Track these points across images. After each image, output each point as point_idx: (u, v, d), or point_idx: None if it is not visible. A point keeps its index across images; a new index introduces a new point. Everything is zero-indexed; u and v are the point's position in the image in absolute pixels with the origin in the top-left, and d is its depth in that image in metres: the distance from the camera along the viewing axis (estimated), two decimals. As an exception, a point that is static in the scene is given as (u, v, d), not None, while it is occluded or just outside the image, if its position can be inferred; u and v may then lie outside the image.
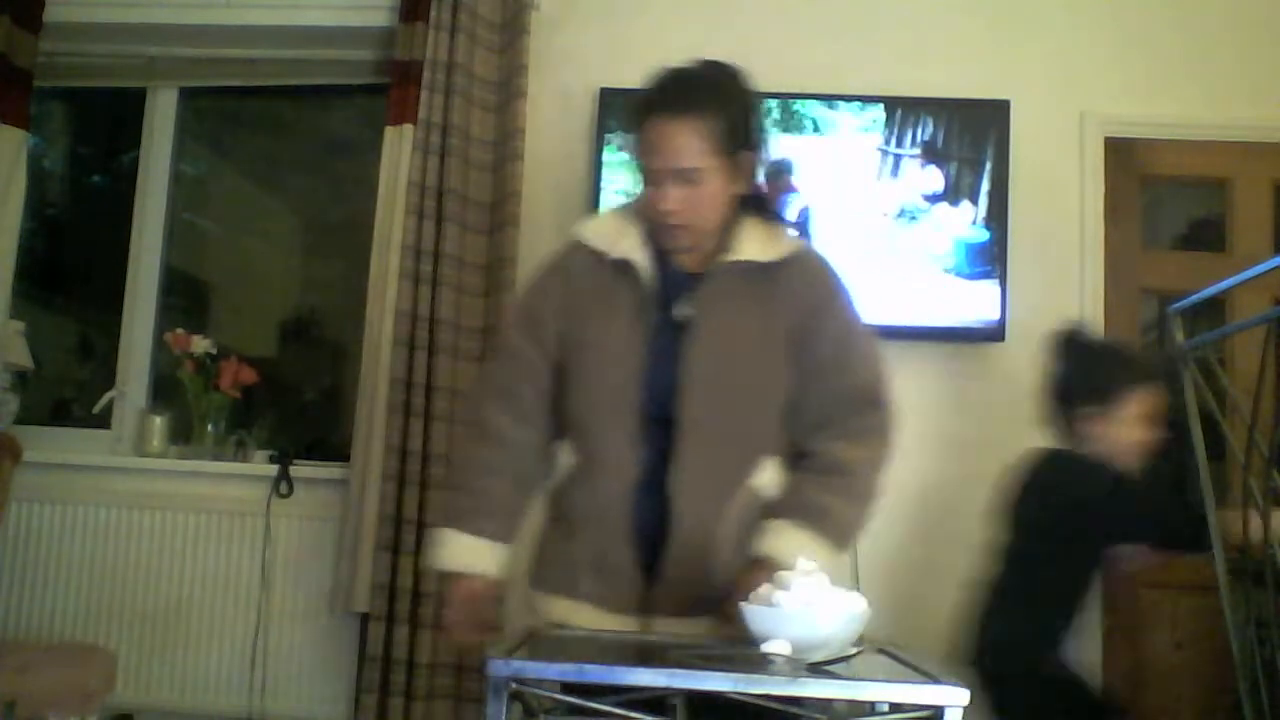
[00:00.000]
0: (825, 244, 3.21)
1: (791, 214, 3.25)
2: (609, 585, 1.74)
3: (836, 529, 1.72)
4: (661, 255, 1.79)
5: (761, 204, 1.83)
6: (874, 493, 1.80)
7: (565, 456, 1.83)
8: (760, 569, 1.60)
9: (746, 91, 1.79)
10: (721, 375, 1.73)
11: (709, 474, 1.72)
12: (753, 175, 1.79)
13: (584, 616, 1.73)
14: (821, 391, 1.78)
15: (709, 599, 1.69)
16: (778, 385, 1.77)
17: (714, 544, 1.71)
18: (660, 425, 1.72)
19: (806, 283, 1.79)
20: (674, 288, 1.78)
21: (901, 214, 3.23)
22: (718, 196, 1.73)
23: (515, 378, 1.83)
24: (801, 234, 1.89)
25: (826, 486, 1.74)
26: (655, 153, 1.70)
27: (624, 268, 1.78)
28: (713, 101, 1.71)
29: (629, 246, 1.79)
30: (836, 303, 1.81)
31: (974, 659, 2.37)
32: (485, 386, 1.89)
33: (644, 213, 1.78)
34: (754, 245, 1.77)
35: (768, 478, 1.78)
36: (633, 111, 1.76)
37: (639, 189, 1.78)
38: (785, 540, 1.67)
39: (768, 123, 1.77)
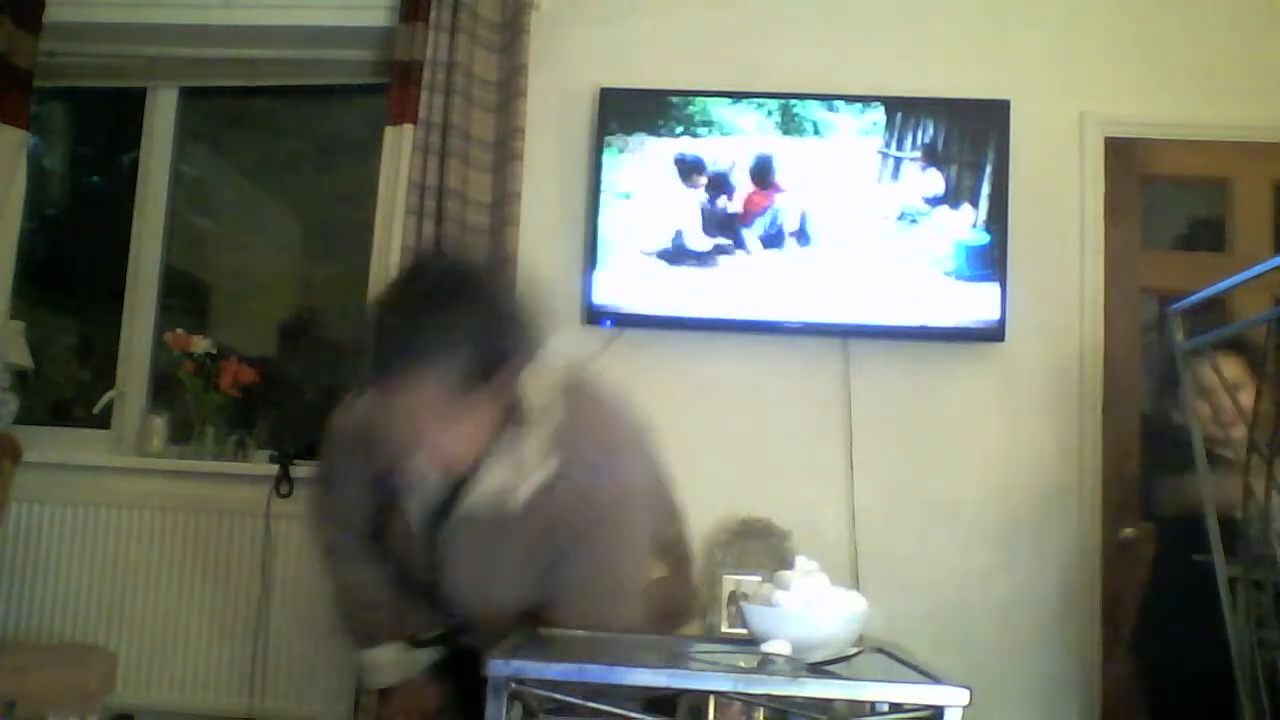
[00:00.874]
0: (825, 245, 3.22)
1: (789, 218, 3.25)
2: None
3: None
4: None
5: (522, 419, 1.60)
6: None
7: None
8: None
9: (488, 305, 1.51)
10: (475, 599, 1.70)
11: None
12: (510, 389, 1.55)
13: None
14: (552, 592, 1.66)
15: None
16: (536, 596, 1.68)
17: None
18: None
19: (556, 506, 1.59)
20: (443, 501, 1.67)
21: (902, 215, 3.23)
22: (471, 437, 1.55)
23: (347, 521, 1.81)
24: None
25: None
26: (386, 406, 1.50)
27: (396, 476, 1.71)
28: (453, 344, 1.45)
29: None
30: (587, 539, 1.61)
31: None
32: (326, 523, 1.85)
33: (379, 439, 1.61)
34: (504, 474, 1.59)
35: None
36: (364, 364, 1.51)
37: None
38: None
39: (528, 320, 1.55)
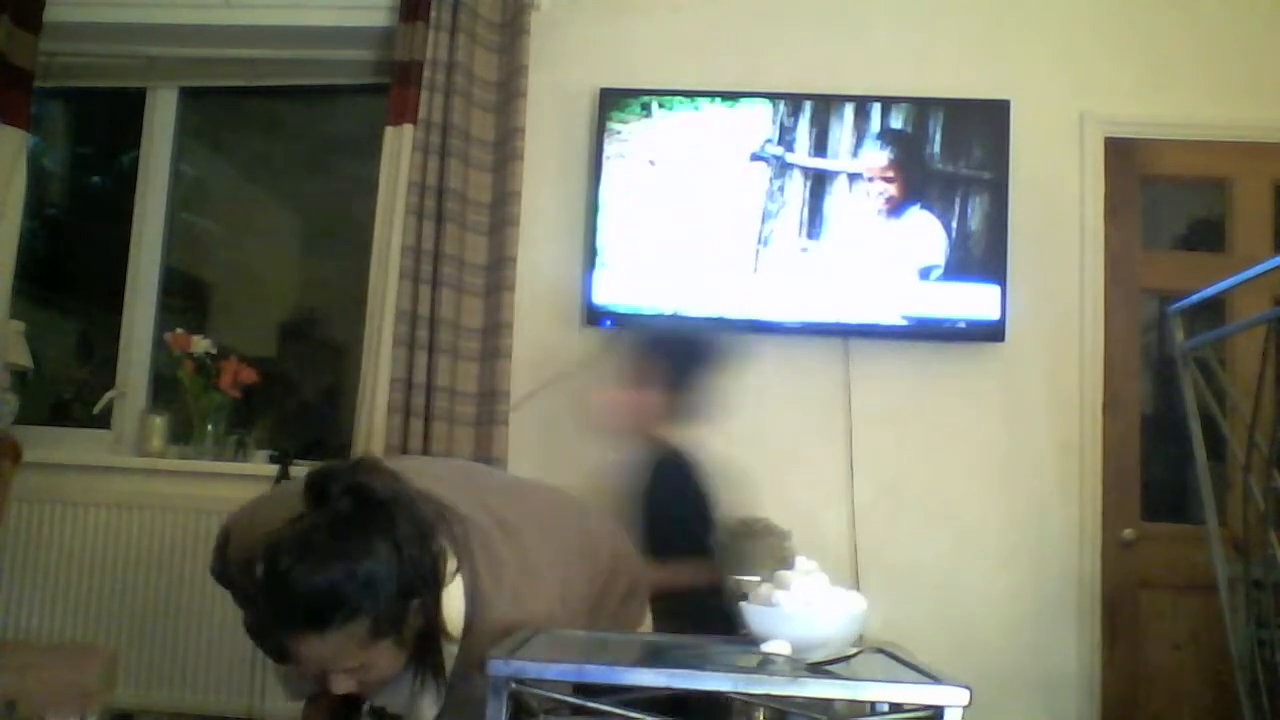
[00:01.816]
0: (826, 245, 3.22)
1: (789, 218, 3.25)
2: None
3: None
4: None
5: (436, 644, 1.51)
6: None
7: None
8: None
9: (392, 541, 1.40)
10: None
11: None
12: (429, 621, 1.47)
13: None
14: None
15: None
16: None
17: None
18: None
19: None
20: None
21: (902, 215, 3.23)
22: (392, 660, 1.45)
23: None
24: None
25: None
26: (311, 664, 1.42)
27: None
28: (355, 601, 1.36)
29: None
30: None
31: None
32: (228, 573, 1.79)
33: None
34: (425, 701, 1.54)
35: None
36: (268, 617, 1.42)
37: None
38: None
39: (430, 546, 1.46)
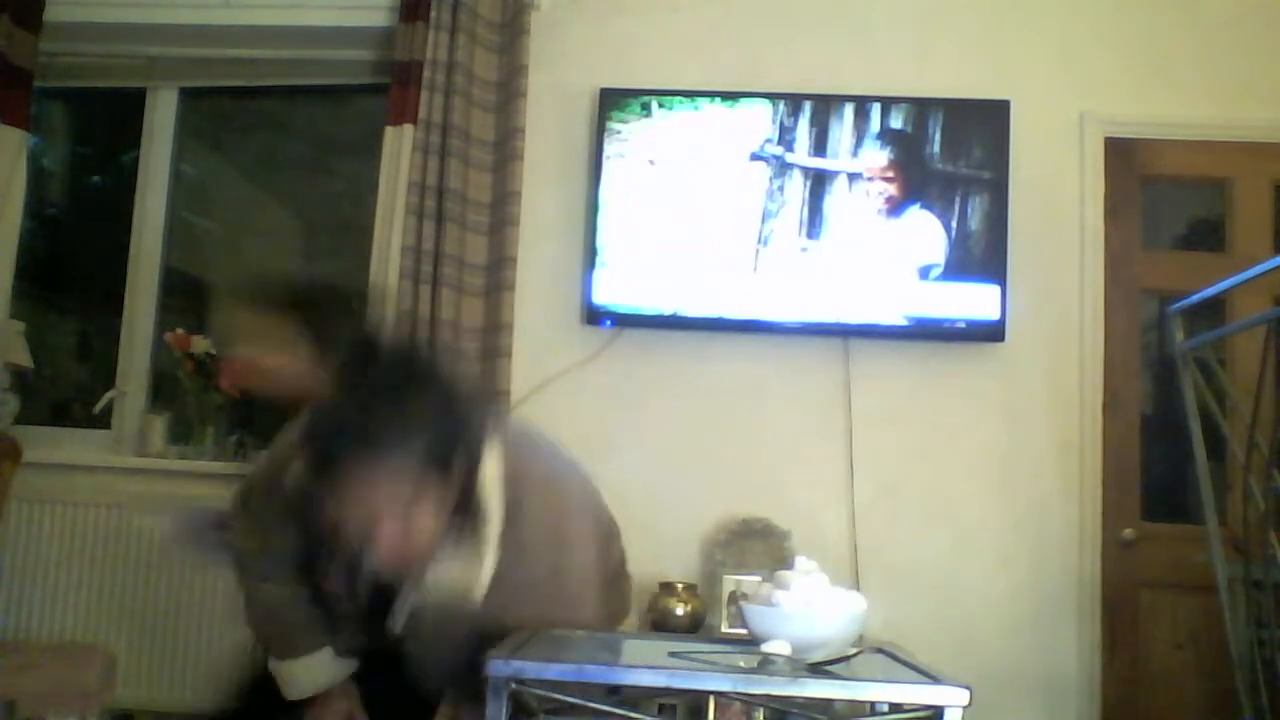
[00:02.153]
0: (826, 245, 3.22)
1: (789, 218, 3.25)
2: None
3: None
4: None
5: (475, 507, 1.58)
6: None
7: None
8: None
9: (440, 395, 1.51)
10: (438, 655, 1.68)
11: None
12: (460, 480, 1.53)
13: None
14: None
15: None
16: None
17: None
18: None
19: (519, 577, 1.59)
20: (382, 586, 1.66)
21: (903, 215, 3.23)
22: (425, 518, 1.50)
23: (269, 553, 1.79)
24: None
25: None
26: (344, 501, 1.45)
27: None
28: (408, 436, 1.45)
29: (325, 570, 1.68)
30: (546, 567, 1.62)
31: None
32: (245, 547, 1.84)
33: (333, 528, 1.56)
34: (461, 565, 1.58)
35: None
36: (312, 439, 1.49)
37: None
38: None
39: (475, 409, 1.54)
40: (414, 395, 1.46)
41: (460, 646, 1.59)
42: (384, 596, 1.67)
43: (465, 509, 1.55)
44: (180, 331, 3.61)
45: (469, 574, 1.57)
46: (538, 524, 1.59)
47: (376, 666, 1.79)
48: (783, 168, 3.27)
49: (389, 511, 1.44)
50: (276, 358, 2.11)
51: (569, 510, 1.65)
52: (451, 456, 1.48)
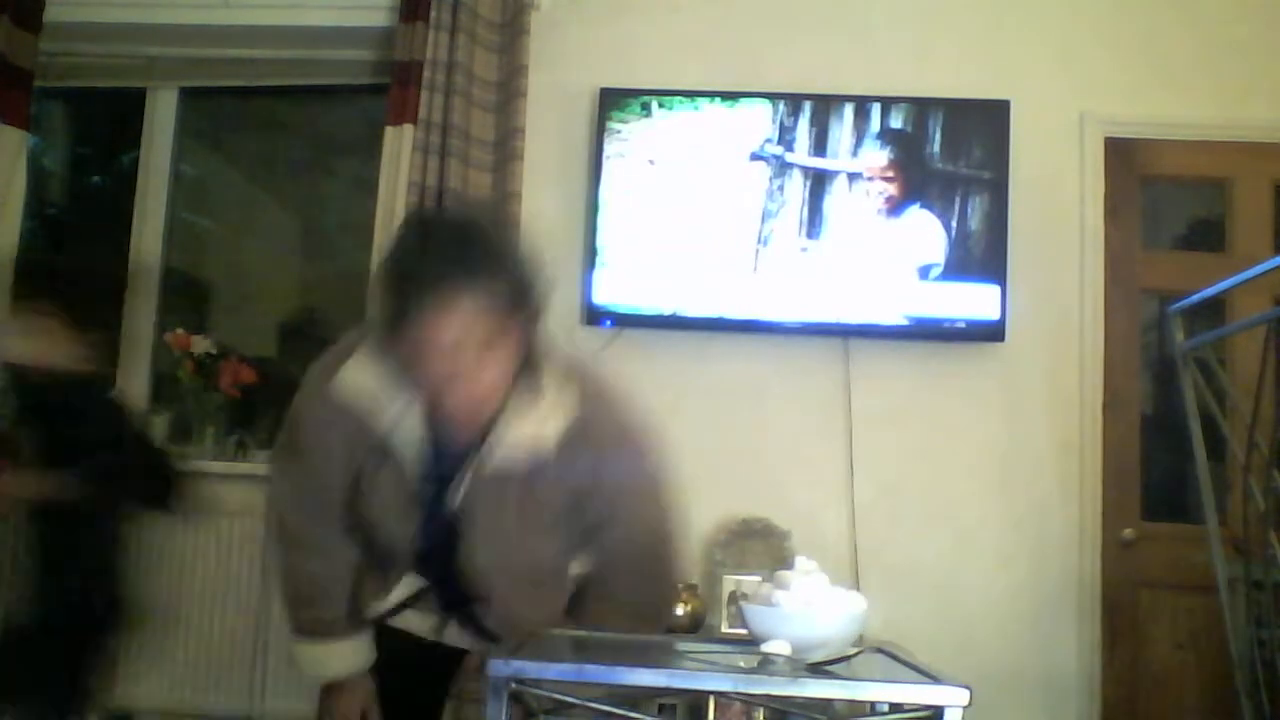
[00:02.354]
0: (826, 245, 3.22)
1: (789, 218, 3.25)
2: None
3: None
4: (429, 421, 1.62)
5: (539, 366, 1.63)
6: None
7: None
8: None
9: (522, 249, 1.60)
10: (502, 563, 1.68)
11: (513, 617, 1.70)
12: (536, 337, 1.60)
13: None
14: (601, 557, 1.73)
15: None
16: (565, 559, 1.73)
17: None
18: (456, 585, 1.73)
19: (585, 454, 1.62)
20: (443, 464, 1.65)
21: (902, 215, 3.23)
22: (502, 368, 1.54)
23: (315, 496, 1.76)
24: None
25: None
26: (434, 338, 1.47)
27: (390, 441, 1.64)
28: (493, 264, 1.50)
29: (393, 416, 1.62)
30: (616, 471, 1.66)
31: None
32: (286, 501, 1.80)
33: (411, 374, 1.56)
34: (530, 421, 1.60)
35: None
36: (399, 277, 1.51)
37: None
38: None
39: (546, 280, 1.59)
40: (484, 243, 1.52)
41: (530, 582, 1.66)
42: (444, 524, 1.66)
43: (529, 371, 1.60)
44: (180, 331, 3.61)
45: (536, 432, 1.59)
46: (605, 399, 1.66)
47: (446, 607, 1.78)
48: (783, 167, 3.27)
49: (465, 352, 1.47)
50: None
51: (633, 410, 1.71)
52: (519, 307, 1.52)
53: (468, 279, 1.46)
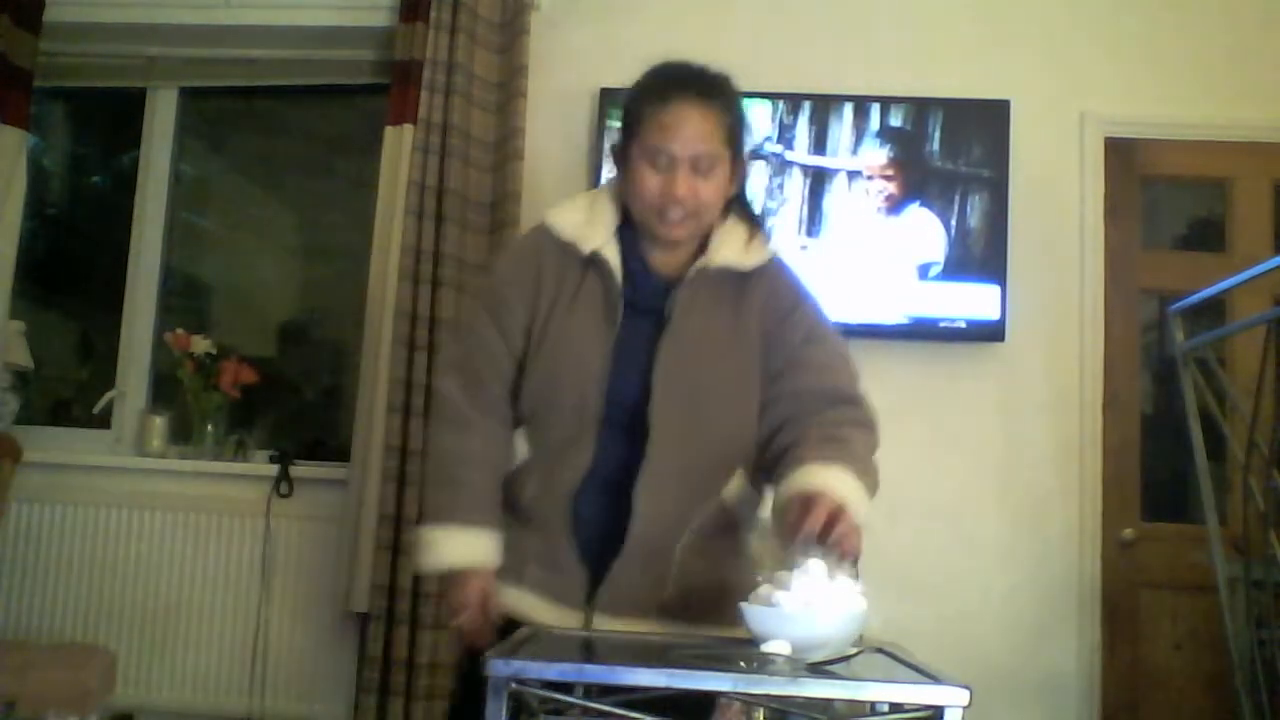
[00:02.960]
0: (825, 244, 3.22)
1: (788, 217, 3.25)
2: (555, 578, 1.70)
3: (866, 473, 1.72)
4: (632, 252, 1.74)
5: (746, 208, 1.80)
6: (873, 463, 1.77)
7: (523, 444, 1.79)
8: (816, 506, 1.59)
9: (741, 98, 1.76)
10: (696, 380, 1.69)
11: (678, 480, 1.68)
12: (744, 178, 1.78)
13: (529, 605, 1.70)
14: (796, 389, 1.75)
15: (659, 602, 1.66)
16: (752, 392, 1.73)
17: (673, 552, 1.65)
18: (624, 428, 1.68)
19: (778, 289, 1.79)
20: (645, 288, 1.72)
21: (902, 215, 3.23)
22: (720, 191, 1.69)
23: (482, 368, 1.76)
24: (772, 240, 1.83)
25: (836, 442, 1.71)
26: (675, 137, 1.63)
27: (594, 263, 1.72)
28: (727, 95, 1.70)
29: (601, 240, 1.73)
30: (807, 306, 1.81)
31: None
32: (452, 375, 1.80)
33: (632, 200, 1.70)
34: (733, 250, 1.73)
35: (735, 489, 1.76)
36: (646, 92, 1.69)
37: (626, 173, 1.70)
38: (828, 477, 1.62)
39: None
40: (728, 83, 1.72)
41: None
42: (639, 364, 1.69)
43: (742, 211, 1.78)
44: (180, 331, 3.61)
45: (746, 256, 1.74)
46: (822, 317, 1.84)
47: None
48: (782, 165, 3.27)
49: (700, 147, 1.64)
50: None
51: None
52: (739, 144, 1.71)
53: (716, 91, 1.68)
